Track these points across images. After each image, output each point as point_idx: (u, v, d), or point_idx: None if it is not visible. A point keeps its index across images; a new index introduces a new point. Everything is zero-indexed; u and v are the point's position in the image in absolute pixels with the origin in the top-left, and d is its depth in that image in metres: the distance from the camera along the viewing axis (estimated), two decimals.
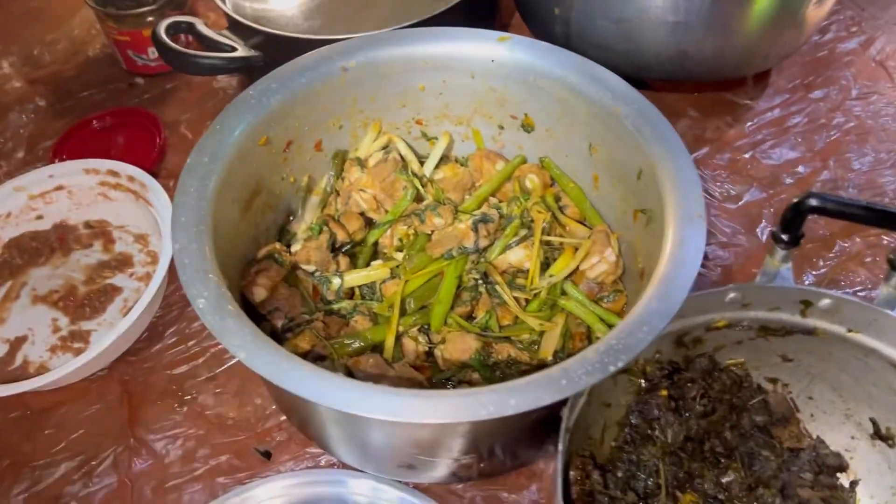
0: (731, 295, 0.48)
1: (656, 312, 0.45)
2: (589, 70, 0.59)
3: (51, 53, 0.88)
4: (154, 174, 0.74)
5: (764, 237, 0.67)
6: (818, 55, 0.82)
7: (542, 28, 0.75)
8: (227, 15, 0.71)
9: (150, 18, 0.79)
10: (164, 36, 0.66)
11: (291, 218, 0.65)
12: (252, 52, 0.67)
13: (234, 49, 0.68)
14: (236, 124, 0.56)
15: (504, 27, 0.84)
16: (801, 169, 0.72)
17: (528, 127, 0.65)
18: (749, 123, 0.76)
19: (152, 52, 0.82)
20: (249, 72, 0.69)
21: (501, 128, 0.67)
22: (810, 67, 0.81)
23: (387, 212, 0.64)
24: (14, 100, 0.82)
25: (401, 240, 0.63)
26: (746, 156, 0.74)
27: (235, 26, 0.70)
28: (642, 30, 0.66)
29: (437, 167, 0.67)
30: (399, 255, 0.61)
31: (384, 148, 0.67)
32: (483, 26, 0.74)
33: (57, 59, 0.87)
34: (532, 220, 0.61)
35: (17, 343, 0.63)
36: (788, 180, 0.72)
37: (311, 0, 0.78)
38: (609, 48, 0.69)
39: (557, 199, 0.65)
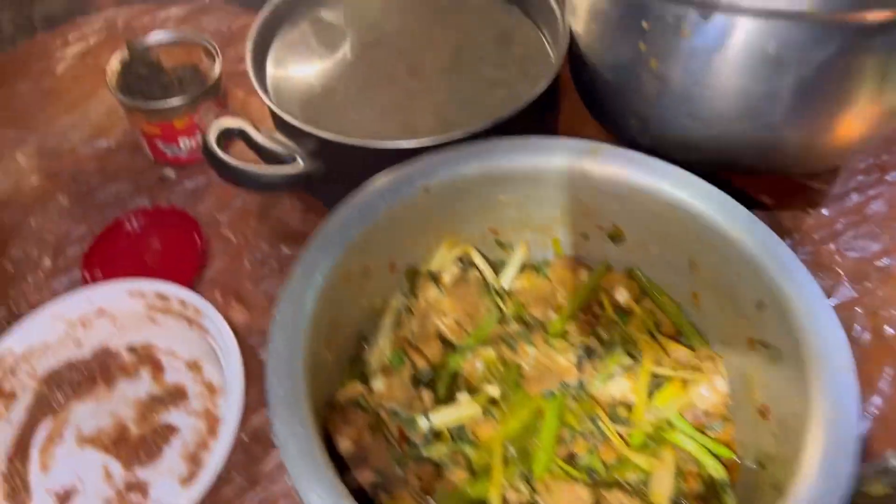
0: (893, 462, 0.44)
1: (823, 496, 0.41)
2: (695, 186, 0.55)
3: (68, 142, 0.81)
4: (197, 283, 0.68)
5: (865, 342, 0.64)
6: None
7: (613, 121, 0.71)
8: (275, 116, 0.65)
9: (182, 109, 0.73)
10: (216, 148, 0.60)
11: (364, 345, 0.60)
12: (314, 165, 0.61)
13: (292, 158, 0.62)
14: (319, 264, 0.51)
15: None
16: (886, 261, 0.69)
17: (616, 238, 0.61)
18: (825, 210, 0.73)
19: (183, 143, 0.76)
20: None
21: (585, 237, 0.62)
22: (880, 145, 0.78)
23: (467, 333, 0.59)
24: (34, 199, 0.76)
25: (488, 369, 0.58)
26: (830, 247, 0.70)
27: (287, 129, 0.65)
28: (731, 130, 0.62)
29: None
30: (489, 389, 0.56)
31: (458, 259, 0.62)
32: (544, 120, 0.70)
33: (75, 147, 0.80)
34: (634, 344, 0.57)
35: (66, 496, 0.57)
36: (877, 275, 0.68)
37: (358, 89, 0.72)
38: (691, 146, 0.65)
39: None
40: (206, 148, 0.61)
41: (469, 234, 0.62)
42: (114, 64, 0.76)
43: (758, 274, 0.51)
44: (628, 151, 0.57)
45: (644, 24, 0.60)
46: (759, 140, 0.63)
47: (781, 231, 0.72)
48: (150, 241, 0.72)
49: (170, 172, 0.78)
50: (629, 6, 0.61)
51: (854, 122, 0.61)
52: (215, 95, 0.75)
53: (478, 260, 0.62)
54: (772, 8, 0.54)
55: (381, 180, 0.55)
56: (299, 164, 0.61)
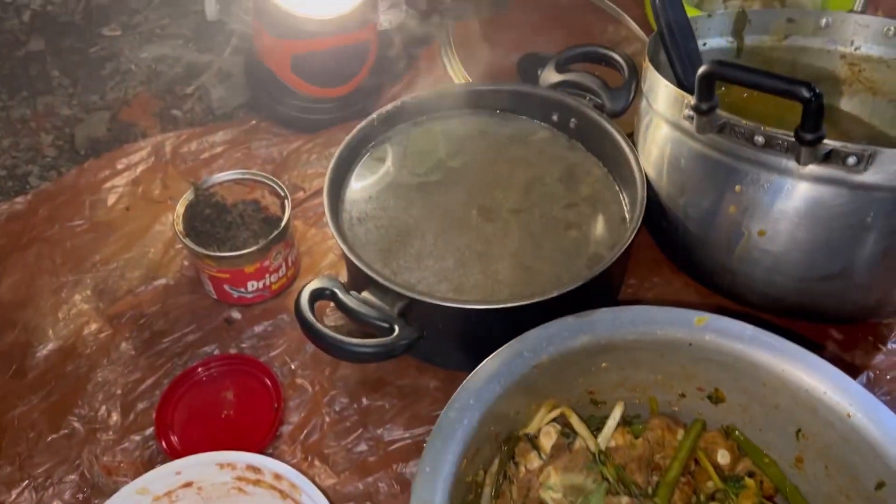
0: None
1: None
2: (808, 362, 0.55)
3: (126, 281, 0.79)
4: (277, 439, 0.67)
5: None
6: None
7: (690, 265, 0.71)
8: (361, 272, 0.65)
9: (254, 255, 0.72)
10: (311, 318, 0.60)
11: None
12: (410, 331, 0.61)
13: (384, 322, 0.61)
14: (444, 460, 0.50)
15: None
16: None
17: (716, 399, 0.61)
18: (893, 345, 0.74)
19: (251, 285, 0.75)
20: None
21: (683, 396, 0.62)
22: None
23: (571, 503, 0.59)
24: (98, 350, 0.73)
25: None
26: None
27: (376, 286, 0.64)
28: (818, 286, 0.63)
29: None
30: None
31: (554, 420, 0.62)
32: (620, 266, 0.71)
33: (133, 287, 0.79)
34: None
35: None
36: None
37: (435, 235, 0.72)
38: (774, 297, 0.66)
39: (751, 474, 0.61)
40: (300, 316, 0.60)
41: (567, 396, 0.61)
42: (179, 209, 0.74)
43: (878, 455, 0.51)
44: (735, 323, 0.57)
45: (737, 188, 0.61)
46: (845, 295, 0.64)
47: (855, 370, 0.72)
48: (223, 393, 0.70)
49: (235, 314, 0.76)
50: (721, 169, 0.62)
51: None
52: (283, 238, 0.74)
53: (575, 422, 0.61)
54: (874, 182, 0.55)
55: (492, 361, 0.55)
56: (394, 332, 0.60)
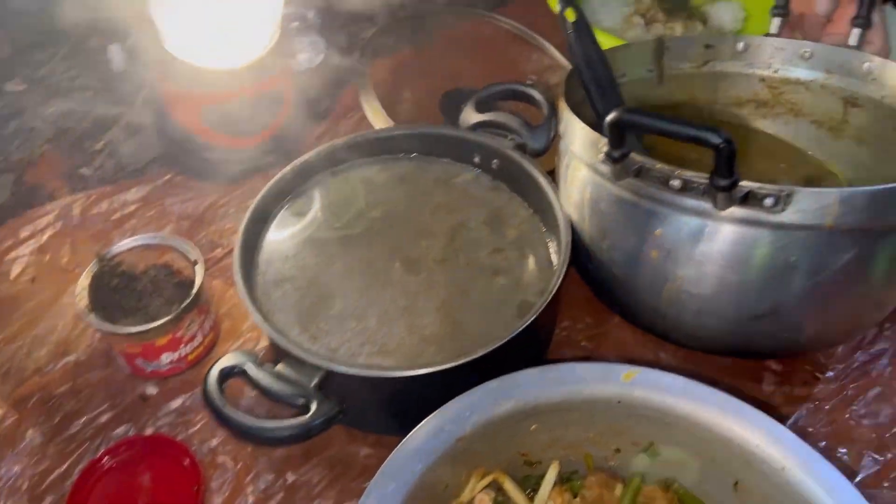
0: None
1: None
2: (739, 412, 0.53)
3: (33, 361, 0.74)
4: None
5: None
6: None
7: (620, 306, 0.70)
8: (275, 346, 0.61)
9: (165, 327, 0.68)
10: (217, 398, 0.56)
11: None
12: (328, 407, 0.57)
13: (301, 399, 0.58)
14: None
15: None
16: None
17: (651, 453, 0.58)
18: (830, 373, 0.73)
19: (165, 357, 0.71)
20: None
21: (618, 451, 0.60)
22: None
23: None
24: (2, 440, 0.68)
25: None
26: (845, 417, 0.70)
27: (292, 359, 0.60)
28: (748, 325, 0.62)
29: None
30: None
31: (488, 486, 0.59)
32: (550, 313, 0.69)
33: (41, 367, 0.74)
34: None
35: None
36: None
37: (357, 293, 0.69)
38: (705, 337, 0.65)
39: None
40: (207, 399, 0.56)
41: (498, 461, 0.58)
42: (83, 282, 0.70)
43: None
44: (665, 375, 0.55)
45: (657, 232, 0.59)
46: (777, 332, 0.62)
47: (793, 399, 0.71)
48: (139, 478, 0.66)
49: (151, 389, 0.72)
50: (640, 213, 0.60)
51: (868, 310, 0.62)
52: (196, 305, 0.70)
53: (509, 488, 0.58)
54: (794, 222, 0.54)
55: (413, 439, 0.52)
56: (311, 410, 0.57)
